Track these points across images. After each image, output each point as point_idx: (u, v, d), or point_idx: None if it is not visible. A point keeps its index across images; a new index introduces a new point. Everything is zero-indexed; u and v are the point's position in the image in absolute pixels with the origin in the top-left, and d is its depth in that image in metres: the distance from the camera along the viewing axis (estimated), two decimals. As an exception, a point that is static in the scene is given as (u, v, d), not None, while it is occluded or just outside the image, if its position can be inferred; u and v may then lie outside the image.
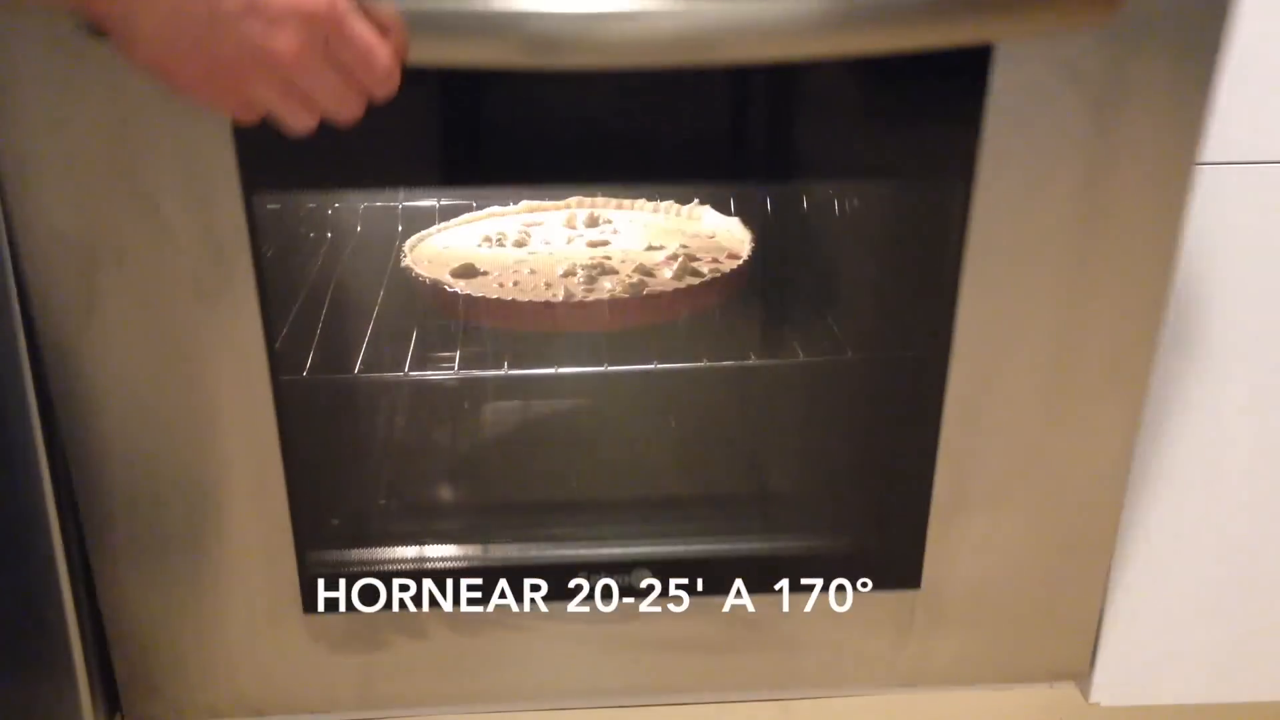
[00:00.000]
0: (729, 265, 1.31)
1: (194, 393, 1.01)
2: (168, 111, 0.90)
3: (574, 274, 1.29)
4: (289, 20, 0.70)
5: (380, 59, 0.75)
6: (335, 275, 1.48)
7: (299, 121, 0.76)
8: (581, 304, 1.22)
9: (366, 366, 1.28)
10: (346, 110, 0.76)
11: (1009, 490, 1.10)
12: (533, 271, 1.31)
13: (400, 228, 1.54)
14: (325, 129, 0.78)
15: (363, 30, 0.74)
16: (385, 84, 0.76)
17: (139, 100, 0.89)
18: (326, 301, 1.35)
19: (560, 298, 1.23)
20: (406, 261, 1.35)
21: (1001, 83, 0.93)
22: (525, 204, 1.49)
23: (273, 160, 0.92)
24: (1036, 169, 0.97)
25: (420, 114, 0.90)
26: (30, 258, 0.94)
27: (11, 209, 0.92)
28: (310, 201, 1.51)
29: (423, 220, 1.55)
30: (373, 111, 0.78)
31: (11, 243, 0.94)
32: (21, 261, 0.94)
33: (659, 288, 1.25)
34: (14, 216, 0.92)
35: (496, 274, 1.30)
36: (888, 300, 1.19)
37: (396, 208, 1.58)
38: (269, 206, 0.98)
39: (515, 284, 1.28)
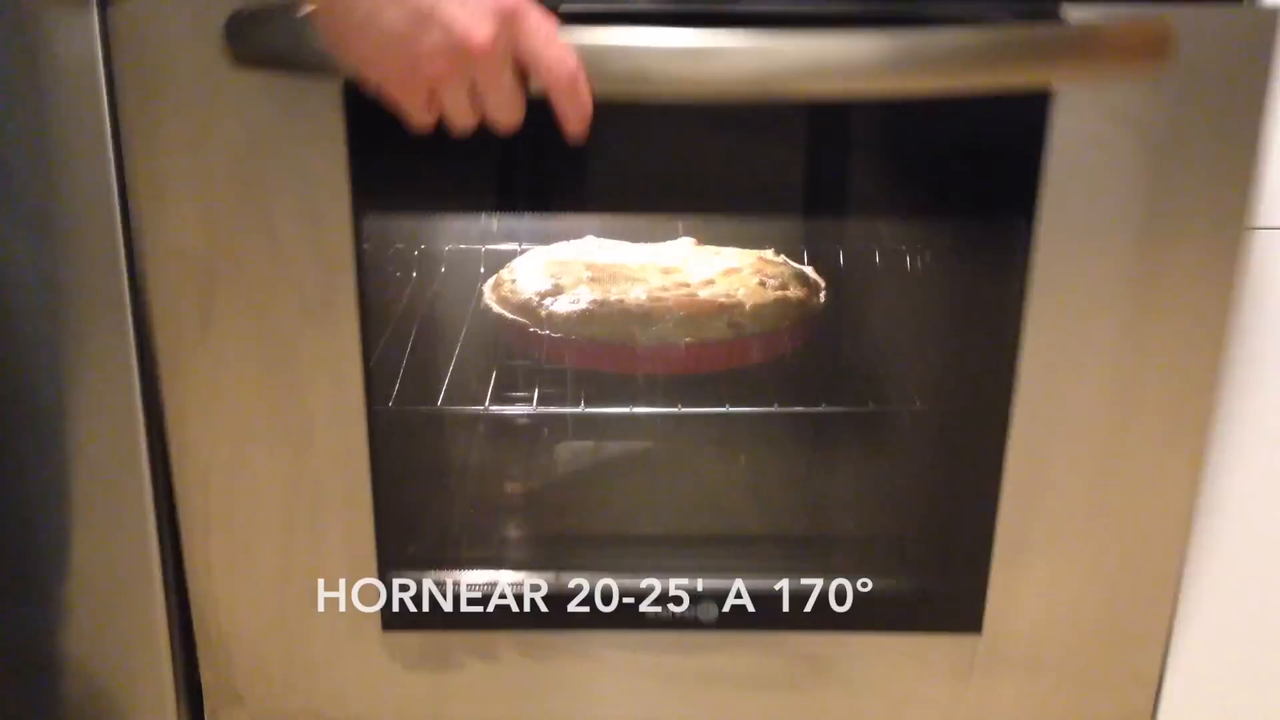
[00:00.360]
0: (802, 293, 1.35)
1: (294, 410, 1.07)
2: (291, 136, 0.96)
3: (656, 309, 1.33)
4: (486, 13, 0.75)
5: (569, 62, 0.79)
6: (420, 313, 1.53)
7: (467, 121, 0.81)
8: (661, 348, 1.27)
9: (449, 399, 1.33)
10: (512, 115, 0.81)
11: (1072, 536, 1.12)
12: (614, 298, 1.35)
13: (482, 269, 1.61)
14: (434, 156, 0.84)
15: (551, 31, 0.79)
16: (573, 93, 0.80)
17: (266, 124, 0.96)
18: (412, 337, 1.40)
19: (639, 337, 1.28)
20: (486, 300, 1.41)
21: (1061, 128, 0.97)
22: (591, 238, 1.54)
23: (382, 184, 0.98)
24: (1096, 215, 1.00)
25: (510, 142, 0.92)
26: (154, 272, 1.00)
27: (142, 224, 0.98)
28: (399, 242, 1.57)
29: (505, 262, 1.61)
30: (476, 138, 0.83)
31: (131, 255, 1.00)
32: (144, 275, 1.00)
33: (735, 325, 1.27)
34: (143, 231, 0.99)
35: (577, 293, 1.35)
36: (953, 350, 1.22)
37: (480, 250, 1.64)
38: (363, 246, 1.04)
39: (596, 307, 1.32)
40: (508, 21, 0.76)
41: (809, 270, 1.45)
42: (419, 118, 0.81)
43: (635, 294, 1.35)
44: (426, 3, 0.74)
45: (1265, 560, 1.15)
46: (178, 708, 1.13)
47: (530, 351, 1.35)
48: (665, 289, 1.36)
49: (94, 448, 1.02)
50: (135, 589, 1.08)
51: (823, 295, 1.41)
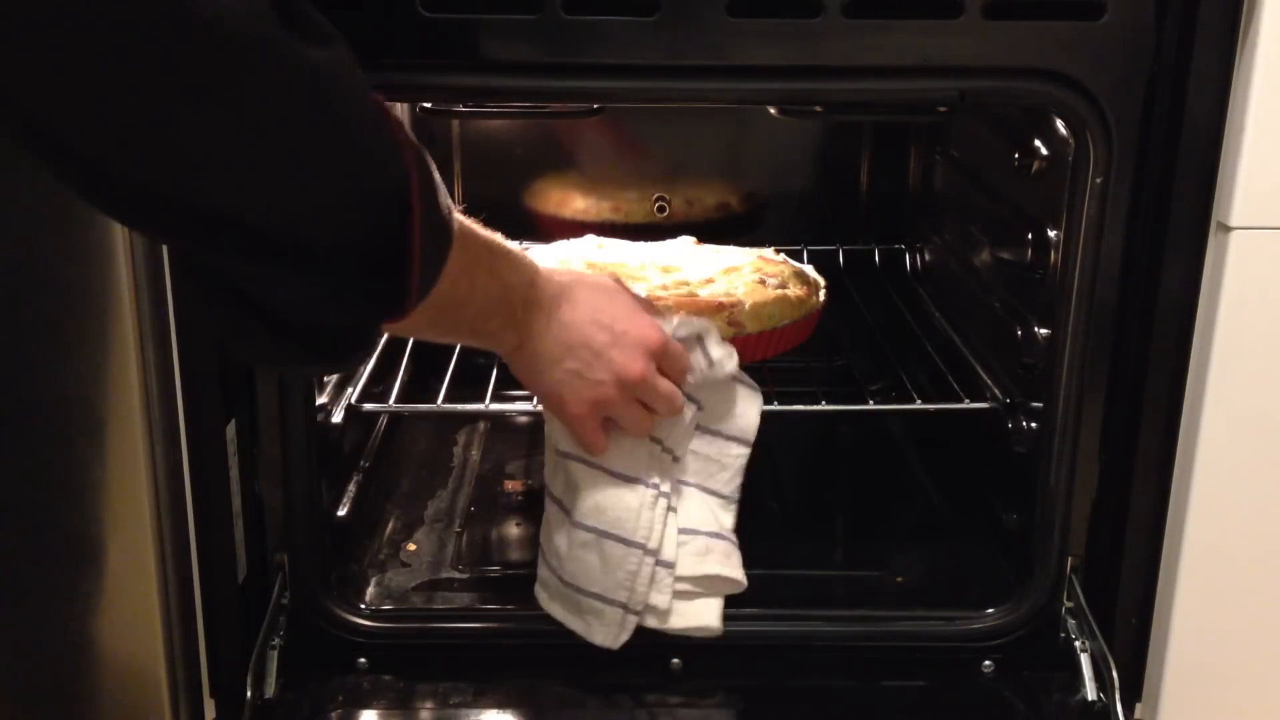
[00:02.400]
0: (802, 292, 1.34)
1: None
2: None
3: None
4: (639, 349, 1.00)
5: (676, 401, 1.05)
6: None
7: (641, 428, 1.04)
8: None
9: (448, 399, 1.34)
10: (671, 408, 1.04)
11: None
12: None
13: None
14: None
15: (678, 360, 1.04)
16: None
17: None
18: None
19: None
20: None
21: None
22: (592, 238, 1.52)
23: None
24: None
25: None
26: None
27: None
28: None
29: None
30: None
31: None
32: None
33: (735, 324, 1.26)
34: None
35: None
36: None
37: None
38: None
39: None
40: (655, 355, 1.01)
41: (809, 269, 1.44)
42: (597, 442, 1.03)
43: (636, 289, 1.34)
44: (595, 349, 0.98)
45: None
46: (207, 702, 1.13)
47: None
48: (665, 287, 1.35)
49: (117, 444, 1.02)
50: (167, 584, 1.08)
51: (822, 294, 1.39)
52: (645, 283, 1.35)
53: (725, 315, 1.26)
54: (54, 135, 0.64)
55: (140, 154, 0.64)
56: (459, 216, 0.84)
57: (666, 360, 1.03)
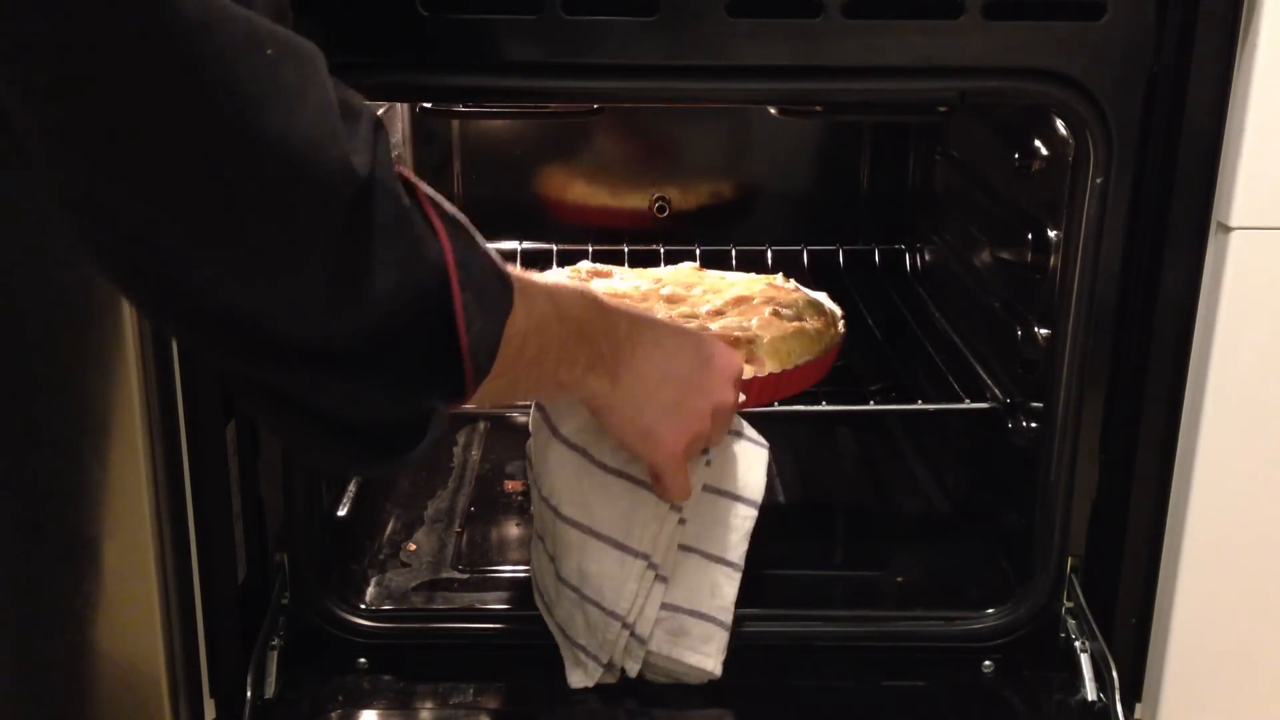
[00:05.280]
0: (819, 324, 1.29)
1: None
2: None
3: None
4: (727, 375, 0.98)
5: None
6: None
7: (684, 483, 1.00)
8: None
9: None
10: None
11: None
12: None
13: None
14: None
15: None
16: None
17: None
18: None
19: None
20: None
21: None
22: (587, 265, 1.48)
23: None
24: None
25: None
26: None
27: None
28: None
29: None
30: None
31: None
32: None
33: (753, 361, 1.20)
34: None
35: None
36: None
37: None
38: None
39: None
40: (738, 383, 1.00)
41: (823, 297, 1.37)
42: (684, 487, 1.00)
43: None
44: (688, 378, 0.95)
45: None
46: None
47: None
48: (673, 321, 1.24)
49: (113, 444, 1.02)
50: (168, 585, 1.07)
51: (841, 325, 1.32)
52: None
53: (742, 353, 1.16)
54: (128, 248, 0.63)
55: (222, 278, 0.64)
56: (516, 273, 0.82)
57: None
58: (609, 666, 1.06)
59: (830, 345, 1.27)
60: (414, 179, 0.75)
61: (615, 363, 0.92)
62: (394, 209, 0.69)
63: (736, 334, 1.22)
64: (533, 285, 0.84)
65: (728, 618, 1.07)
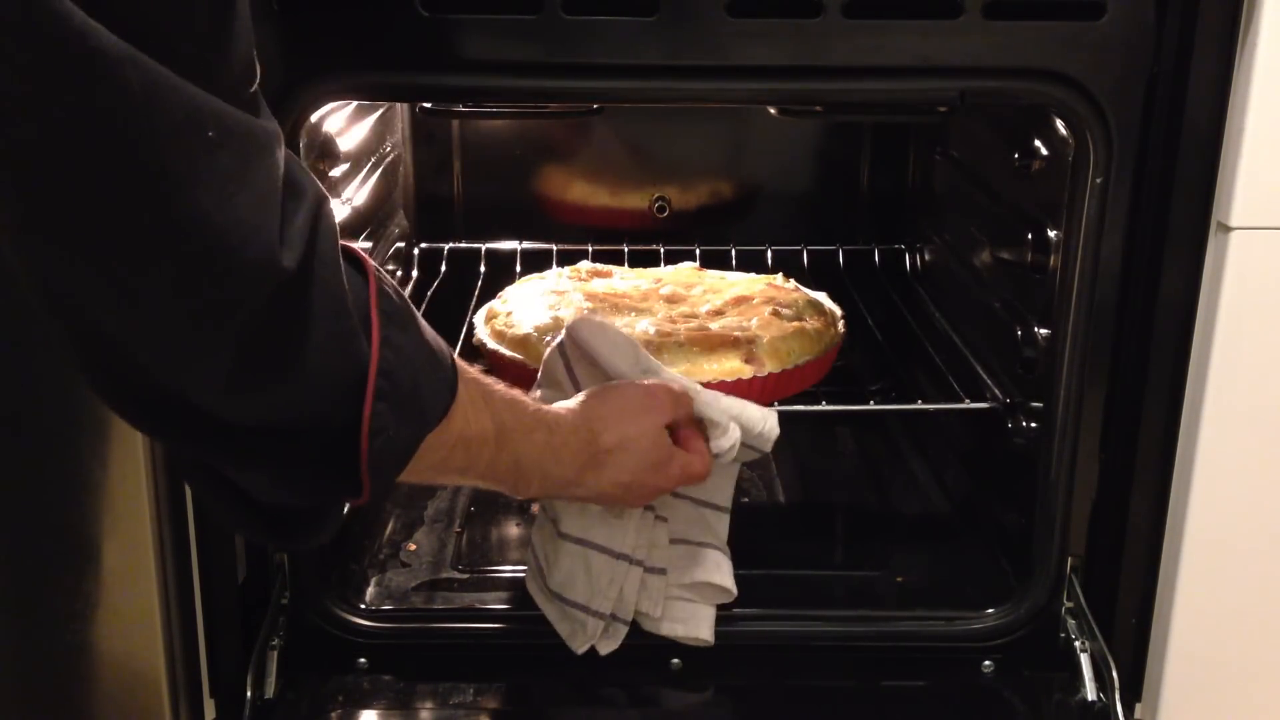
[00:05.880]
0: (819, 324, 1.28)
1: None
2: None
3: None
4: (702, 459, 1.01)
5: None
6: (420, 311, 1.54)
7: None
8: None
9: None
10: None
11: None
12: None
13: (484, 268, 1.61)
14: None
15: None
16: None
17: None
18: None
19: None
20: (480, 335, 1.30)
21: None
22: (586, 265, 1.48)
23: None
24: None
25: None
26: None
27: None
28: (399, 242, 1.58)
29: (505, 261, 1.62)
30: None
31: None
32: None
33: (753, 361, 1.20)
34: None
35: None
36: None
37: (480, 249, 1.65)
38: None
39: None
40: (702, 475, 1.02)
41: (823, 297, 1.37)
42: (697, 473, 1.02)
43: (642, 327, 1.24)
44: (642, 486, 0.98)
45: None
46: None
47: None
48: (673, 320, 1.26)
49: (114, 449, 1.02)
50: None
51: (840, 325, 1.31)
52: (650, 316, 1.28)
53: (742, 353, 1.18)
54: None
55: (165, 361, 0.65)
56: (472, 376, 0.82)
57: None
58: (610, 622, 1.06)
59: (830, 345, 1.27)
60: (368, 263, 0.73)
61: (552, 492, 0.97)
62: (324, 306, 0.68)
63: (736, 334, 1.22)
64: (481, 400, 0.83)
65: (727, 548, 1.10)
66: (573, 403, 0.97)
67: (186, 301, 0.62)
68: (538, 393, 1.06)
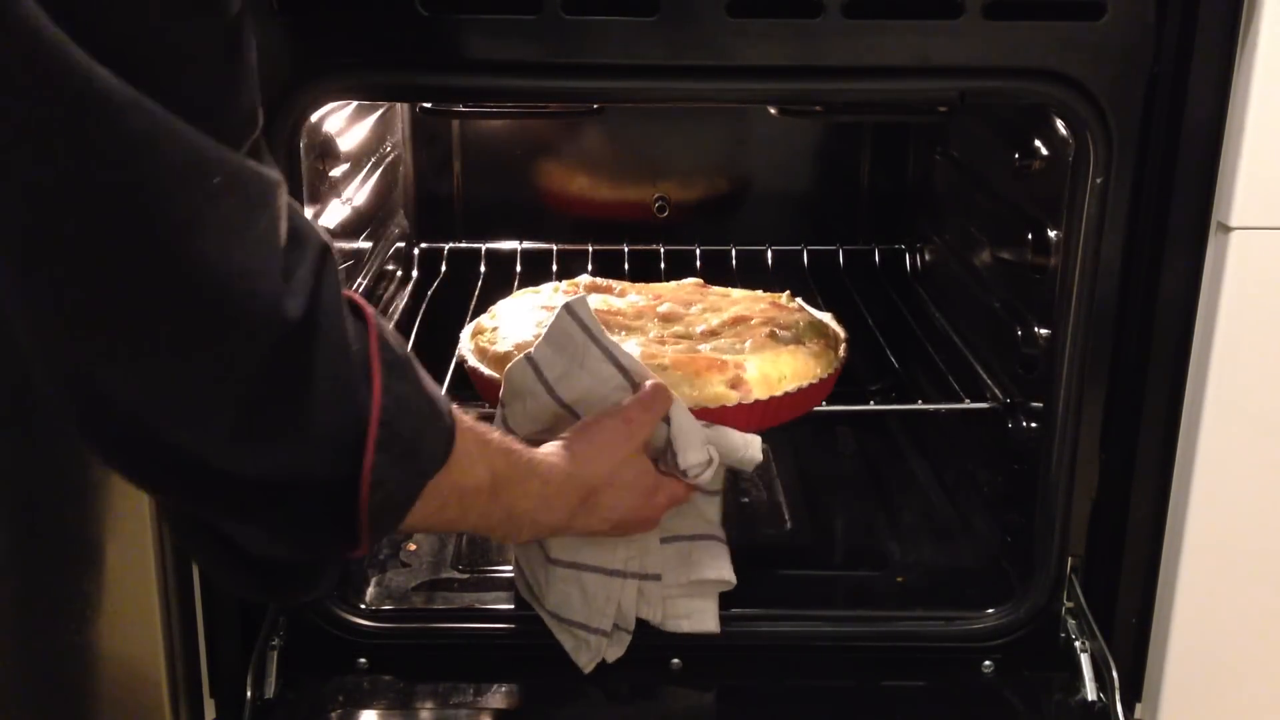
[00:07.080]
0: (818, 347, 1.20)
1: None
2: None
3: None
4: (659, 507, 1.01)
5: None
6: (420, 311, 1.54)
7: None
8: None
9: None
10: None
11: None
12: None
13: (484, 268, 1.61)
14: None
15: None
16: None
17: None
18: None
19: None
20: (463, 350, 1.22)
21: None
22: (586, 279, 1.40)
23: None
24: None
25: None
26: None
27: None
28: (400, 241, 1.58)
29: (505, 262, 1.62)
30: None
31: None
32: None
33: (738, 386, 1.11)
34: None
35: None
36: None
37: (480, 249, 1.65)
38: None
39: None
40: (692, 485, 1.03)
41: (828, 318, 1.28)
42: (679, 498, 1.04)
43: (628, 348, 1.12)
44: (629, 522, 1.00)
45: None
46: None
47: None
48: (663, 340, 1.18)
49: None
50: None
51: (842, 350, 1.22)
52: (641, 336, 1.21)
53: (728, 378, 1.11)
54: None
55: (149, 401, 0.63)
56: (467, 425, 0.81)
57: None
58: (613, 631, 1.07)
59: (828, 371, 1.18)
60: (368, 310, 0.73)
61: (543, 535, 1.00)
62: (327, 355, 0.67)
63: (724, 359, 1.14)
64: (477, 450, 0.83)
65: (721, 531, 1.10)
66: (558, 446, 0.95)
67: (189, 351, 0.62)
68: (503, 410, 1.05)
